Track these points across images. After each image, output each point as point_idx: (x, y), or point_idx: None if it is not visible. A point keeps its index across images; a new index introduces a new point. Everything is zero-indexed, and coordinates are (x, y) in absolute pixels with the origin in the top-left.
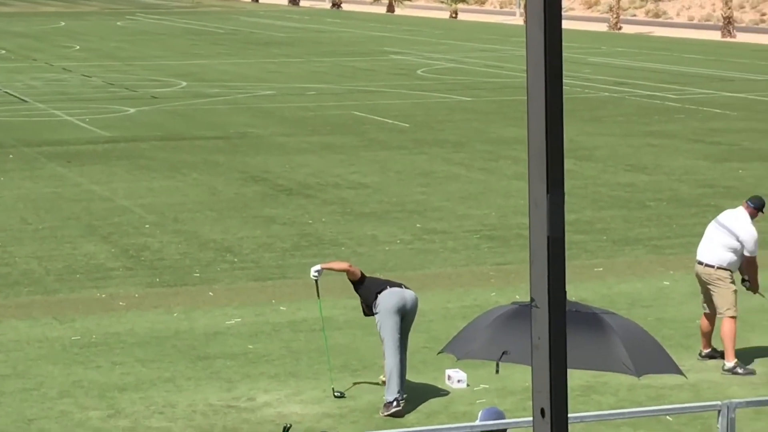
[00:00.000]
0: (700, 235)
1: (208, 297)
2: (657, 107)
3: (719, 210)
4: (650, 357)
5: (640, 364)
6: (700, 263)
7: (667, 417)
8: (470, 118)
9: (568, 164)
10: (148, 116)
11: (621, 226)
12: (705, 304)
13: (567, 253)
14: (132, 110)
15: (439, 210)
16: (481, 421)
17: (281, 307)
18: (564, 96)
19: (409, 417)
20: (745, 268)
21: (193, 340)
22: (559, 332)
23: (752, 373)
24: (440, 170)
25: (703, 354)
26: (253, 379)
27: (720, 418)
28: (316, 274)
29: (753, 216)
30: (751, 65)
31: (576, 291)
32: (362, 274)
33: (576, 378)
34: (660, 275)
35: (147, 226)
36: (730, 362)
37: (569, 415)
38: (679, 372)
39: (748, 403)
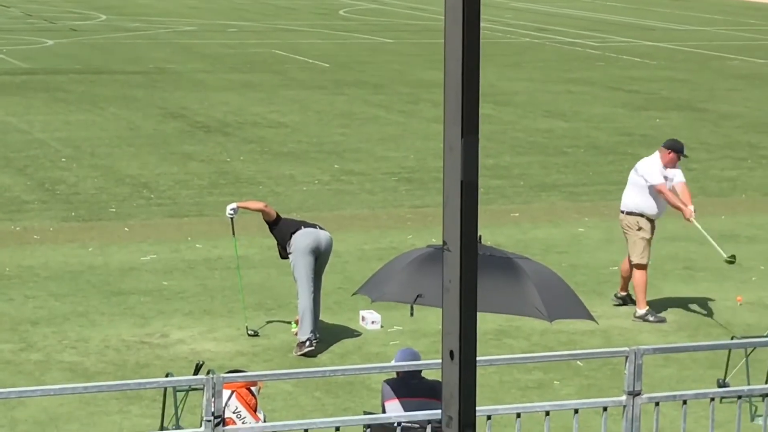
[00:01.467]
0: (617, 183)
1: (124, 233)
2: (577, 54)
3: (636, 158)
4: (563, 302)
5: (552, 309)
6: (620, 212)
7: (578, 362)
8: (391, 60)
9: (486, 109)
10: (67, 49)
11: (538, 172)
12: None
13: (484, 197)
14: (51, 42)
15: (357, 151)
16: (397, 361)
17: (197, 245)
18: (484, 40)
19: (322, 357)
20: (666, 197)
21: (107, 275)
22: (470, 276)
23: (663, 320)
24: (360, 111)
25: (618, 296)
26: (167, 315)
27: (627, 364)
28: (231, 212)
29: (671, 160)
30: (672, 15)
31: (492, 236)
32: (278, 215)
33: (489, 322)
34: (575, 222)
35: (63, 159)
36: (641, 310)
37: (480, 358)
38: (591, 318)
39: (656, 350)
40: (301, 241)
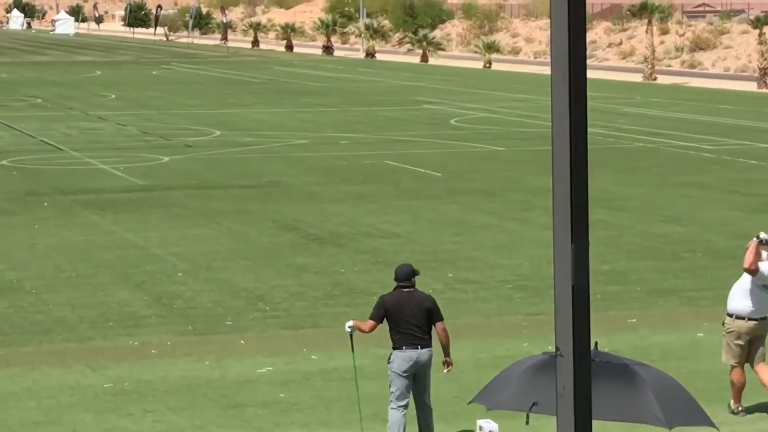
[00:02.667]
0: None
1: (240, 345)
2: (692, 158)
3: None
4: (682, 408)
5: (671, 416)
6: (752, 319)
7: None
8: (503, 168)
9: (600, 214)
10: (182, 165)
11: (655, 278)
12: (737, 359)
13: (600, 304)
14: (166, 159)
15: (471, 260)
16: None
17: (312, 356)
18: (597, 146)
19: None
20: None
21: (224, 388)
22: (584, 381)
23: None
24: (473, 219)
25: (738, 410)
26: (283, 427)
27: None
28: (349, 329)
29: None
30: None
31: (609, 342)
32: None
33: (609, 431)
34: (694, 327)
35: (180, 274)
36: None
37: None
38: (711, 424)
39: None
40: (399, 365)
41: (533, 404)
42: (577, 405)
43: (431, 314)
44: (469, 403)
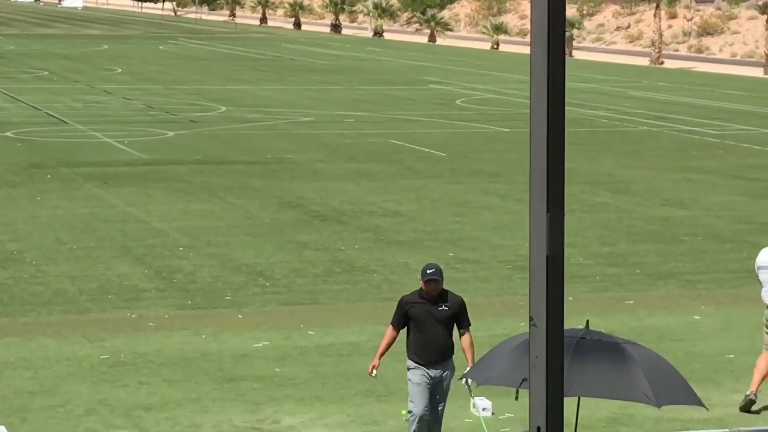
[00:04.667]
0: (735, 271)
1: (238, 320)
2: (696, 142)
3: (755, 246)
4: (672, 387)
5: (660, 395)
6: None
7: None
8: (508, 149)
9: (603, 197)
10: (187, 140)
11: (655, 260)
12: None
13: (599, 285)
14: (171, 133)
15: (472, 240)
16: None
17: (310, 332)
18: (603, 129)
19: None
20: None
21: (220, 362)
22: (557, 351)
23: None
24: (476, 200)
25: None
26: (278, 401)
27: None
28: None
29: None
30: None
31: (606, 323)
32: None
33: (602, 409)
34: (691, 309)
35: (181, 248)
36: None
37: None
38: (701, 404)
39: None
40: (414, 387)
41: (523, 380)
42: (549, 374)
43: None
44: (461, 378)
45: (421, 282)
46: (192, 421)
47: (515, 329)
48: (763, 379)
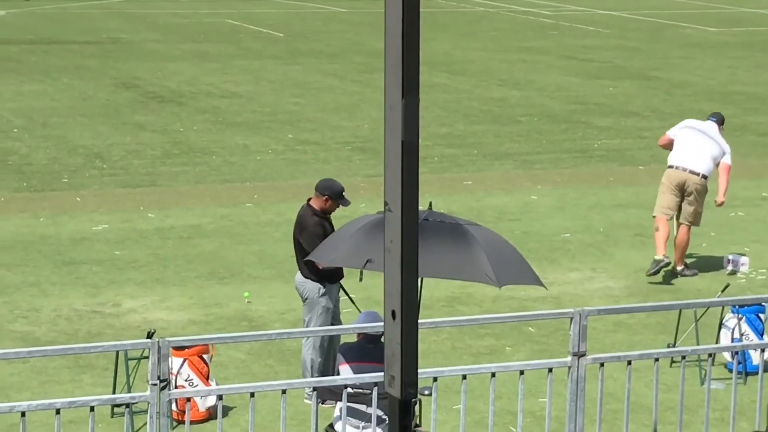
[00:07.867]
0: (570, 150)
1: (76, 202)
2: (531, 23)
3: (590, 127)
4: (511, 268)
5: (501, 275)
6: (693, 172)
7: (529, 328)
8: (346, 30)
9: (441, 78)
10: (19, 19)
11: (492, 141)
12: (667, 209)
13: (437, 166)
14: (2, 12)
15: (312, 121)
16: (360, 323)
17: (149, 214)
18: (439, 10)
19: (274, 323)
20: (724, 175)
21: (59, 245)
22: (412, 236)
23: (696, 274)
24: (314, 81)
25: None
26: (119, 285)
27: (572, 325)
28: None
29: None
30: None
31: (445, 203)
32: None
33: (441, 289)
34: (527, 190)
35: (15, 130)
36: (680, 266)
37: (427, 320)
38: (540, 283)
39: (600, 311)
40: (332, 299)
41: (367, 261)
42: (404, 259)
43: None
44: (305, 260)
45: (327, 199)
46: (32, 305)
47: (355, 211)
48: (666, 240)
